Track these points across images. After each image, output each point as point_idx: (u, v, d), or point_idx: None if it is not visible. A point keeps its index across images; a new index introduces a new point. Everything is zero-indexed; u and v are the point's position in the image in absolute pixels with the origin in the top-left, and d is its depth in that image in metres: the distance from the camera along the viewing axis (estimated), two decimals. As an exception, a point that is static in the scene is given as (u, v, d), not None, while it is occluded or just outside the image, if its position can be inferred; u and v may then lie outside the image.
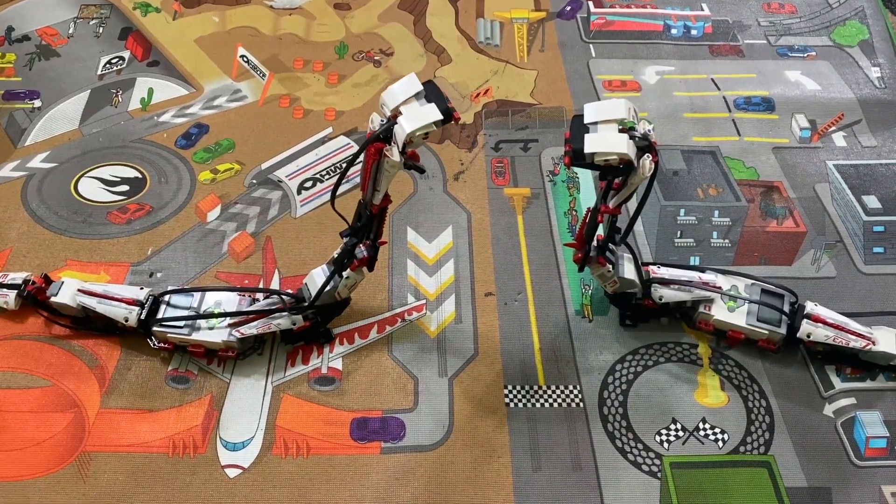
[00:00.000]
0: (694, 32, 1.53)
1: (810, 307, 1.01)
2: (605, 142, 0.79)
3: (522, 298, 1.12)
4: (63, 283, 1.04)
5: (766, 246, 1.19)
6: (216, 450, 0.98)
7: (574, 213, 1.23)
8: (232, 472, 0.96)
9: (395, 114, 0.82)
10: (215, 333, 1.01)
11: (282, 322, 1.01)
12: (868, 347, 0.99)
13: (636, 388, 1.03)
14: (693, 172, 1.28)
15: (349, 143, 1.32)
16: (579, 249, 0.96)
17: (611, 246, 0.97)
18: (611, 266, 0.98)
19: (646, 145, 0.80)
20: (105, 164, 1.29)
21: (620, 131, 0.80)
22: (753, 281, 1.04)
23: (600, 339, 1.08)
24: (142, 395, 1.03)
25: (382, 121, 0.84)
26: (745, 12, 1.56)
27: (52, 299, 1.03)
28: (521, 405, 1.02)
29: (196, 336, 1.01)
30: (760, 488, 0.95)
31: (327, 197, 1.24)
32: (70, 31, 1.52)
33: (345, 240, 0.96)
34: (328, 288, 0.99)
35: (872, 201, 1.24)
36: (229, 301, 1.03)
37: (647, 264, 1.04)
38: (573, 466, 0.97)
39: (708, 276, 1.03)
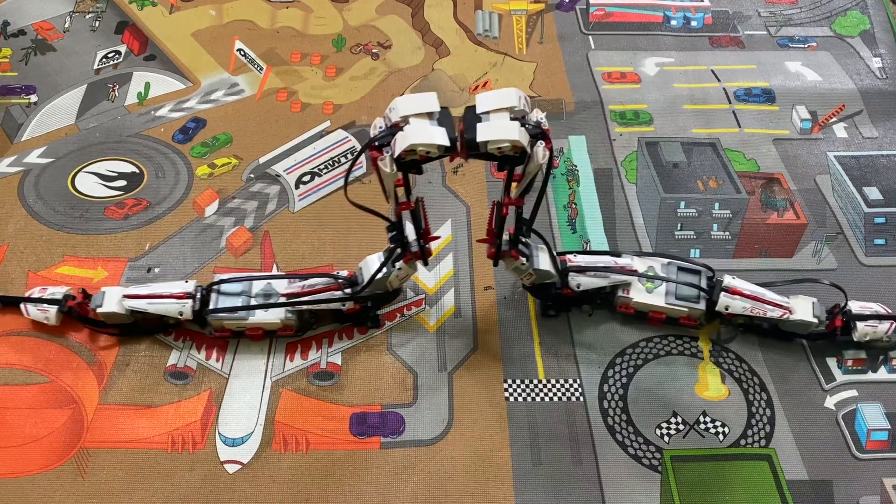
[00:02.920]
0: (694, 23, 1.52)
1: (728, 280, 1.01)
2: (497, 129, 0.78)
3: (522, 292, 1.11)
4: (104, 293, 1.02)
5: (766, 238, 1.18)
6: (215, 445, 0.98)
7: (574, 206, 1.22)
8: (231, 468, 0.96)
9: (401, 123, 0.79)
10: (272, 313, 1.01)
11: (332, 302, 1.02)
12: (785, 316, 0.99)
13: (636, 381, 1.03)
14: (693, 164, 1.28)
15: (347, 137, 1.32)
16: (491, 244, 0.95)
17: (524, 238, 0.96)
18: (525, 259, 0.98)
19: (539, 133, 0.79)
20: (102, 159, 1.29)
21: (512, 119, 0.79)
22: (669, 260, 1.04)
23: (600, 333, 1.08)
24: (140, 391, 1.02)
25: (383, 127, 0.81)
26: (745, 3, 1.55)
27: (98, 310, 1.01)
28: (520, 399, 1.01)
29: (253, 319, 1.01)
30: (761, 481, 0.95)
31: (326, 191, 1.25)
32: (66, 26, 1.51)
33: (389, 235, 0.95)
34: (380, 276, 0.98)
35: (873, 193, 1.23)
36: (279, 284, 1.03)
37: (563, 253, 1.04)
38: (573, 460, 0.97)
39: (623, 260, 1.03)
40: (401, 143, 0.78)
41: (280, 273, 1.05)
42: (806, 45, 1.47)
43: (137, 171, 1.27)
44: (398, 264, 0.97)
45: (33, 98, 1.38)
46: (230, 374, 1.04)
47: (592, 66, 1.44)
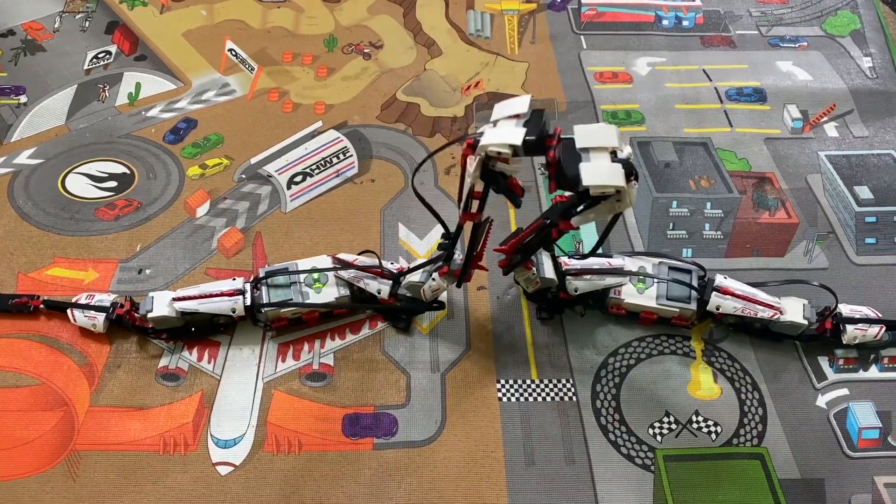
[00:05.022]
0: (685, 23, 1.52)
1: (719, 280, 1.01)
2: (603, 173, 0.74)
3: (514, 293, 1.11)
4: (153, 298, 1.02)
5: (758, 237, 1.19)
6: (207, 447, 0.97)
7: (566, 205, 1.22)
8: (223, 470, 0.96)
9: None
10: (326, 294, 1.01)
11: (371, 283, 1.02)
12: (776, 317, 1.00)
13: (629, 381, 1.03)
14: (685, 164, 1.28)
15: (339, 137, 1.31)
16: (510, 254, 0.94)
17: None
18: (535, 269, 0.98)
19: (631, 169, 0.76)
20: (92, 159, 1.28)
21: (613, 161, 0.75)
22: (660, 260, 1.04)
23: (593, 333, 1.08)
24: (132, 393, 1.02)
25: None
26: (737, 2, 1.56)
27: (150, 315, 1.01)
28: (513, 399, 1.01)
29: (308, 302, 1.01)
30: (754, 480, 0.95)
31: (318, 192, 1.24)
32: (56, 26, 1.50)
33: (440, 242, 0.94)
34: (416, 279, 0.99)
35: (864, 192, 1.24)
36: (323, 263, 1.03)
37: (557, 257, 1.04)
38: (566, 460, 0.97)
39: (615, 262, 1.04)
40: (478, 146, 0.76)
41: (325, 263, 1.05)
42: (797, 45, 1.48)
43: (128, 171, 1.27)
44: (434, 275, 0.97)
45: (23, 99, 1.37)
46: (222, 376, 1.03)
47: (584, 66, 1.44)
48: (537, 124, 0.75)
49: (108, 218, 1.20)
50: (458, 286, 0.97)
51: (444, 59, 1.46)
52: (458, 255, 0.96)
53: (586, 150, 0.75)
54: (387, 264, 1.05)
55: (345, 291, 1.03)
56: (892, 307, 1.08)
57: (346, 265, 1.02)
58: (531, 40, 1.49)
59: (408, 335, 1.07)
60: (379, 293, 1.03)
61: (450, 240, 0.92)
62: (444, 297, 1.07)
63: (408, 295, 1.03)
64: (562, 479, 0.95)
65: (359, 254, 1.05)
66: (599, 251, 1.13)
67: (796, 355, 1.05)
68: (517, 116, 0.76)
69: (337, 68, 1.44)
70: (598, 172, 0.74)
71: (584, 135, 0.75)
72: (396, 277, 1.02)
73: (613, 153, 0.75)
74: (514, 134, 0.74)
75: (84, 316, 1.04)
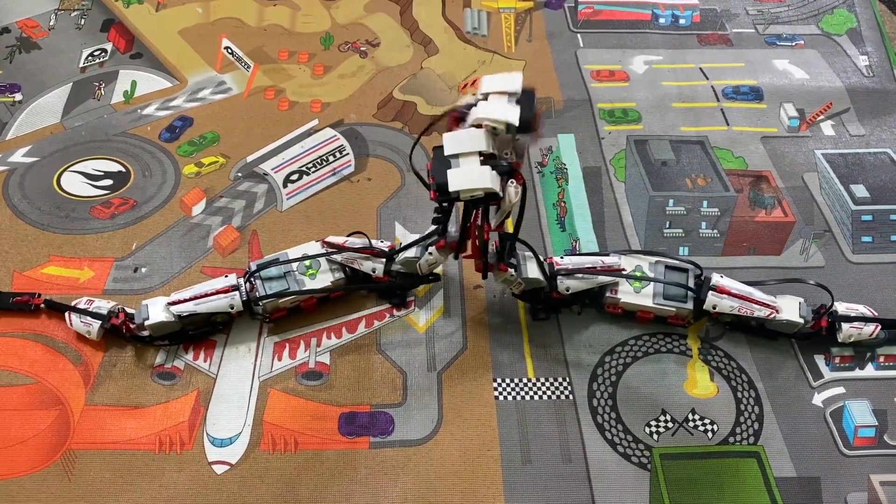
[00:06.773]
0: (682, 21, 1.52)
1: (716, 279, 1.01)
2: (469, 178, 0.78)
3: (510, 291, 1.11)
4: (147, 305, 1.01)
5: (754, 236, 1.19)
6: (203, 446, 0.97)
7: (563, 204, 1.22)
8: (219, 469, 0.96)
9: (483, 98, 0.79)
10: (321, 279, 1.02)
11: (364, 263, 1.02)
12: (772, 316, 1.00)
13: (625, 379, 1.03)
14: (681, 162, 1.28)
15: (335, 136, 1.31)
16: (478, 259, 0.95)
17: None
18: (513, 270, 0.98)
19: (508, 170, 0.79)
20: (88, 158, 1.28)
21: (482, 162, 0.78)
22: (657, 258, 1.04)
23: (589, 331, 1.08)
24: (127, 392, 1.02)
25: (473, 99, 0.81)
26: (733, 1, 1.56)
27: (147, 323, 1.00)
28: (510, 398, 1.01)
29: (305, 289, 1.02)
30: (750, 478, 0.95)
31: (314, 190, 1.24)
32: (51, 23, 1.50)
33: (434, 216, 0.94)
34: (411, 255, 0.99)
35: (861, 190, 1.24)
36: (313, 249, 1.04)
37: (549, 258, 1.04)
38: (563, 459, 0.97)
39: (610, 260, 1.03)
40: (472, 116, 0.78)
41: (315, 249, 1.05)
42: (793, 43, 1.48)
43: (124, 170, 1.26)
44: (430, 249, 0.97)
45: (18, 97, 1.37)
46: (218, 375, 1.03)
47: (581, 64, 1.44)
48: (529, 104, 0.78)
49: (104, 216, 1.20)
50: (456, 258, 0.97)
51: (441, 58, 1.45)
52: (453, 229, 0.96)
53: (455, 156, 0.78)
54: (377, 243, 1.05)
55: (339, 275, 1.03)
56: (888, 305, 1.09)
57: (337, 248, 1.03)
58: (528, 38, 1.49)
59: (402, 309, 1.08)
60: (374, 272, 1.03)
61: (443, 213, 0.92)
62: (439, 269, 1.07)
63: (402, 271, 1.03)
64: (558, 477, 0.95)
65: (348, 235, 1.06)
66: (595, 249, 1.16)
67: (792, 353, 1.05)
68: (510, 94, 0.78)
69: (333, 66, 1.43)
70: (463, 177, 0.77)
71: (452, 142, 0.79)
72: (389, 255, 1.02)
73: (491, 157, 0.78)
74: (509, 111, 0.76)
75: (80, 321, 1.03)
